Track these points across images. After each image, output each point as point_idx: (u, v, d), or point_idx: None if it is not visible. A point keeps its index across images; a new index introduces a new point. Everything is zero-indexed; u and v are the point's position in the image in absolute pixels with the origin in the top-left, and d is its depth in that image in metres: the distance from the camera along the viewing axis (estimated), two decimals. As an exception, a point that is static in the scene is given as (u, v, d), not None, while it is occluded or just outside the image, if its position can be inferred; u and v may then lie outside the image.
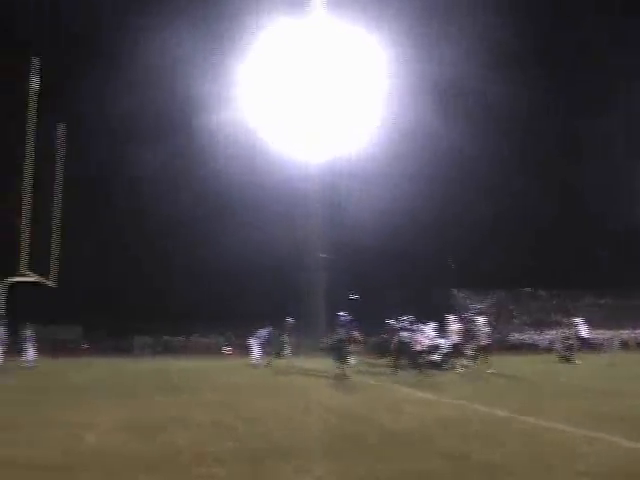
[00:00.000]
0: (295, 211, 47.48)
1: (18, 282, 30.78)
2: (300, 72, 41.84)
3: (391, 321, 26.95)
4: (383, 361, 27.06)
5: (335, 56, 41.66)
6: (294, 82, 42.23)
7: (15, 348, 26.88)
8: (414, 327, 25.27)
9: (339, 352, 22.01)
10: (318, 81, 42.03)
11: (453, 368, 24.89)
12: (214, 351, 46.72)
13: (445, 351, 25.79)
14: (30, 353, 27.93)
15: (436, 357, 25.39)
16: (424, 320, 26.30)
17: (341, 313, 22.61)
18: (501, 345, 34.63)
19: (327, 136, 44.44)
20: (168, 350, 49.25)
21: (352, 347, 23.66)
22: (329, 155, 45.49)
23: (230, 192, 49.72)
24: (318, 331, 41.42)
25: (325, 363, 23.69)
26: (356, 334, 23.67)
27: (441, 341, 26.00)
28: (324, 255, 47.26)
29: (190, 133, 49.71)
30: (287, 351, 27.51)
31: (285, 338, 27.72)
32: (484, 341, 25.06)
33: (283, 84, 41.72)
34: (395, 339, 24.89)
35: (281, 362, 26.73)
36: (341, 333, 22.32)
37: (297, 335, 29.07)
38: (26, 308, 32.64)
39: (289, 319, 27.65)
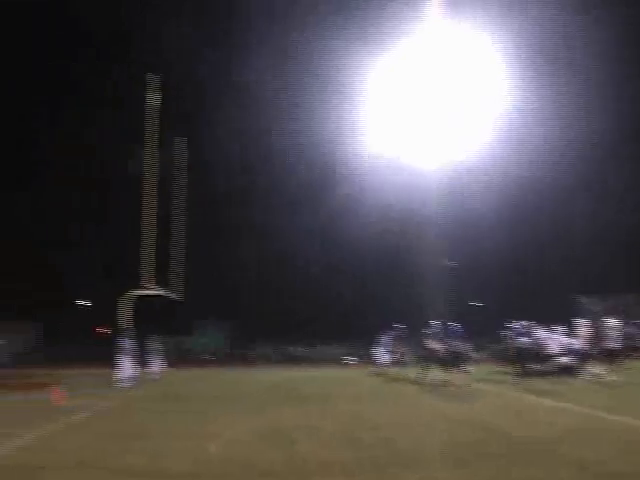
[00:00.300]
0: (419, 219, 46.85)
1: (143, 295, 31.38)
2: (421, 79, 41.02)
3: (512, 326, 26.07)
4: (507, 368, 26.28)
5: (455, 63, 40.57)
6: (415, 89, 41.46)
7: (142, 359, 27.39)
8: (538, 332, 24.34)
9: (454, 361, 21.87)
10: (439, 88, 41.12)
11: (582, 374, 23.62)
12: (337, 360, 46.42)
13: (573, 356, 24.53)
14: (157, 364, 28.57)
15: (564, 361, 24.16)
16: (550, 325, 25.21)
17: (453, 323, 22.61)
18: (632, 350, 32.89)
19: (451, 144, 43.26)
20: (291, 360, 49.38)
21: (466, 355, 23.03)
22: (453, 163, 44.37)
23: (352, 202, 49.54)
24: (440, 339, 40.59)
25: (444, 372, 23.06)
26: (467, 344, 23.05)
27: (569, 345, 24.75)
28: (450, 262, 46.51)
29: (317, 144, 49.78)
30: (409, 359, 26.99)
31: (404, 346, 27.21)
32: (614, 346, 23.68)
33: (404, 91, 41.04)
34: (514, 345, 24.13)
35: (403, 370, 26.25)
36: (455, 343, 22.15)
37: (417, 343, 28.47)
38: (151, 320, 33.41)
39: (402, 326, 27.12)
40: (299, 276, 53.73)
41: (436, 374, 22.22)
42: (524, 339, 24.09)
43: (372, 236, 48.78)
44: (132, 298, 29.62)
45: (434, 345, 22.99)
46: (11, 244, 53.55)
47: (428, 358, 23.22)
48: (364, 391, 21.32)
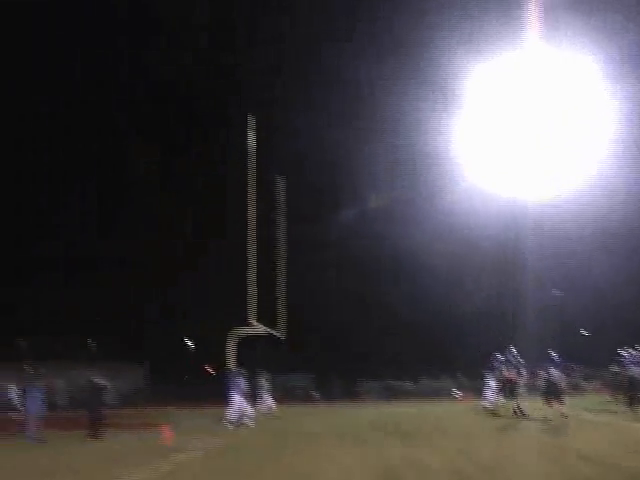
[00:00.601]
0: (522, 250, 45.80)
1: (249, 333, 31.60)
2: (512, 103, 39.99)
3: (622, 355, 25.06)
4: (618, 397, 25.27)
5: (551, 87, 39.34)
6: (507, 114, 40.41)
7: (251, 397, 27.40)
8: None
9: (554, 392, 21.01)
10: (532, 113, 39.86)
11: None
12: (444, 395, 45.57)
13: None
14: (266, 401, 28.68)
15: None
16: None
17: (552, 352, 21.77)
18: None
19: (544, 173, 41.91)
20: (396, 394, 48.82)
21: (566, 386, 22.25)
22: (547, 193, 43.06)
23: (453, 235, 48.88)
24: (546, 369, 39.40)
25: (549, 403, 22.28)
26: (568, 375, 22.21)
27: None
28: (555, 292, 45.29)
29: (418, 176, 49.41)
30: (517, 391, 26.07)
31: (512, 377, 26.29)
32: None
33: (496, 116, 40.14)
34: (625, 374, 23.15)
35: (511, 402, 25.47)
36: (554, 373, 21.37)
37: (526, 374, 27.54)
38: (257, 358, 33.58)
39: (509, 356, 26.28)
40: (403, 311, 53.19)
41: (542, 406, 21.44)
42: (635, 368, 23.06)
43: (475, 268, 47.96)
44: (238, 336, 29.84)
45: (545, 376, 22.25)
46: (121, 285, 55.13)
47: (537, 389, 22.59)
48: (470, 425, 20.97)
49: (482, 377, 28.40)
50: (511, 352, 22.69)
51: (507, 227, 45.88)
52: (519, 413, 22.60)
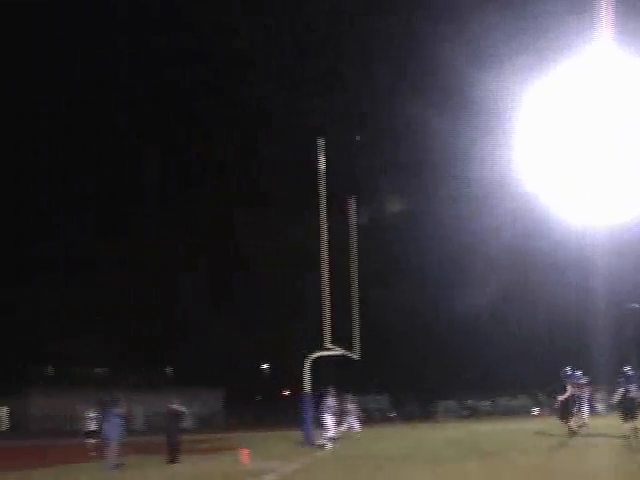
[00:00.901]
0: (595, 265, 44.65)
1: (324, 356, 31.32)
2: (580, 120, 38.37)
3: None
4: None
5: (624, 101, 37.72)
6: (572, 132, 38.70)
7: (331, 419, 27.10)
8: None
9: (630, 409, 20.26)
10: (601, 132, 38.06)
11: None
12: (522, 414, 44.60)
13: None
14: (350, 422, 28.37)
15: None
16: None
17: (628, 368, 21.18)
18: None
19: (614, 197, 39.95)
20: (473, 414, 47.99)
21: None
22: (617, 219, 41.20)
23: (521, 254, 47.95)
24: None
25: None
26: None
27: None
28: (634, 305, 43.86)
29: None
30: (598, 408, 25.27)
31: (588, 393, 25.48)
32: None
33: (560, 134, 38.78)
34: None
35: (590, 419, 24.79)
36: (632, 389, 20.59)
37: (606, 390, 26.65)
38: (332, 380, 33.35)
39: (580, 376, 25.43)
40: (479, 330, 52.43)
41: (620, 422, 20.71)
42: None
43: (550, 286, 46.92)
44: (313, 359, 29.61)
45: (622, 392, 21.44)
46: (200, 313, 55.85)
47: (619, 406, 21.75)
48: (548, 442, 20.47)
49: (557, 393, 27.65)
50: (572, 370, 21.98)
51: (584, 247, 44.83)
52: (574, 430, 21.82)
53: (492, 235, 49.14)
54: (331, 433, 24.39)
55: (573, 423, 21.20)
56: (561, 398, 22.08)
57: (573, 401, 22.14)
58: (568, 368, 23.21)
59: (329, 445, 23.66)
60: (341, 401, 28.02)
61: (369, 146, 51.69)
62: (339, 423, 26.47)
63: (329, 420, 24.47)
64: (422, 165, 48.86)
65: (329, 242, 30.38)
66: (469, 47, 42.60)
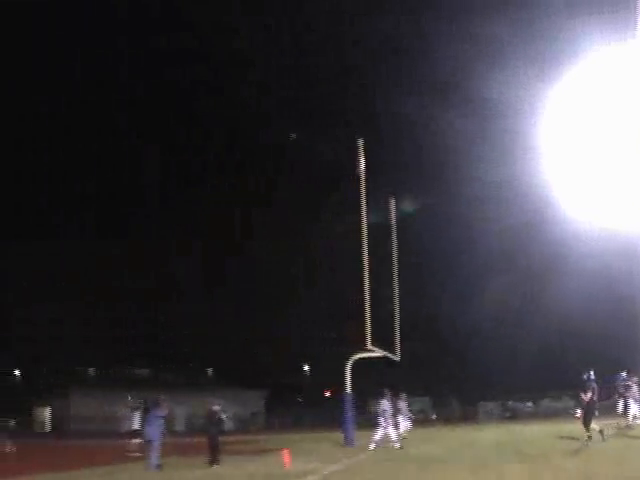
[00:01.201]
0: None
1: (365, 358, 31.17)
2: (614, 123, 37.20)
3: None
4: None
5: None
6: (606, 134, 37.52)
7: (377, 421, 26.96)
8: None
9: None
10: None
11: None
12: (564, 415, 43.87)
13: None
14: (404, 423, 28.09)
15: None
16: None
17: None
18: None
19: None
20: (515, 415, 47.47)
21: None
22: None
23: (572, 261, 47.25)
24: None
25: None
26: None
27: None
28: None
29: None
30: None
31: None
32: None
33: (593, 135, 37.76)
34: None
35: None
36: None
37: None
38: (375, 382, 33.13)
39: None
40: (522, 331, 51.91)
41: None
42: None
43: (599, 291, 46.24)
44: (355, 360, 29.51)
45: None
46: (243, 314, 56.05)
47: None
48: (595, 447, 19.71)
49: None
50: (589, 374, 21.54)
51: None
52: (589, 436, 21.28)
53: (532, 238, 48.68)
54: (379, 436, 24.09)
55: (593, 427, 20.44)
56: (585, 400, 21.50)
57: (594, 406, 21.53)
58: (623, 373, 22.82)
59: (372, 446, 23.47)
60: (395, 402, 27.69)
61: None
62: (396, 425, 26.11)
63: (384, 421, 24.15)
64: (476, 173, 48.42)
65: (369, 243, 30.26)
66: (491, 47, 42.27)
